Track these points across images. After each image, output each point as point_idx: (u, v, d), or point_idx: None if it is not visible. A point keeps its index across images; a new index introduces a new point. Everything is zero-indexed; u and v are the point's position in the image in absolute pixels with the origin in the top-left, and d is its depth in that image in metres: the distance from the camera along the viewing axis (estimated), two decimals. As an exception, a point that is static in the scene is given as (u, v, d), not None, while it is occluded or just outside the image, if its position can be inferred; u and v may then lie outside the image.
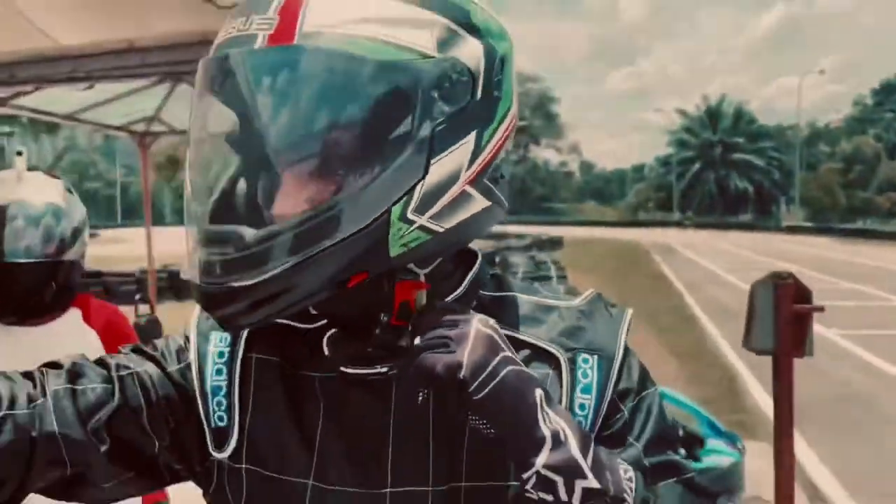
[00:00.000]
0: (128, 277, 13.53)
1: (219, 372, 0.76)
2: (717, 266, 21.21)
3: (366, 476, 0.72)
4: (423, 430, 0.73)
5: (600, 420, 0.75)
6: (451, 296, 0.76)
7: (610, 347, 0.77)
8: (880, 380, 7.44)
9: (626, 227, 55.29)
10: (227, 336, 0.77)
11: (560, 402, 0.73)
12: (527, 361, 0.73)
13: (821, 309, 2.76)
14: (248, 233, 0.65)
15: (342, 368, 0.73)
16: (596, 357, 0.76)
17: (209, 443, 0.76)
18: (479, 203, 0.71)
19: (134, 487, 0.77)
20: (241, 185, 0.68)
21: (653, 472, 0.73)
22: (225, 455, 0.75)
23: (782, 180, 72.58)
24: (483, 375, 0.64)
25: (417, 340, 0.67)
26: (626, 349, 0.78)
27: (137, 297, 5.65)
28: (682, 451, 0.78)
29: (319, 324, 0.75)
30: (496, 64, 0.70)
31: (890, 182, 66.18)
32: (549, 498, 0.65)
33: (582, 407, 0.74)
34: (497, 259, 20.14)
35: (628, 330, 0.79)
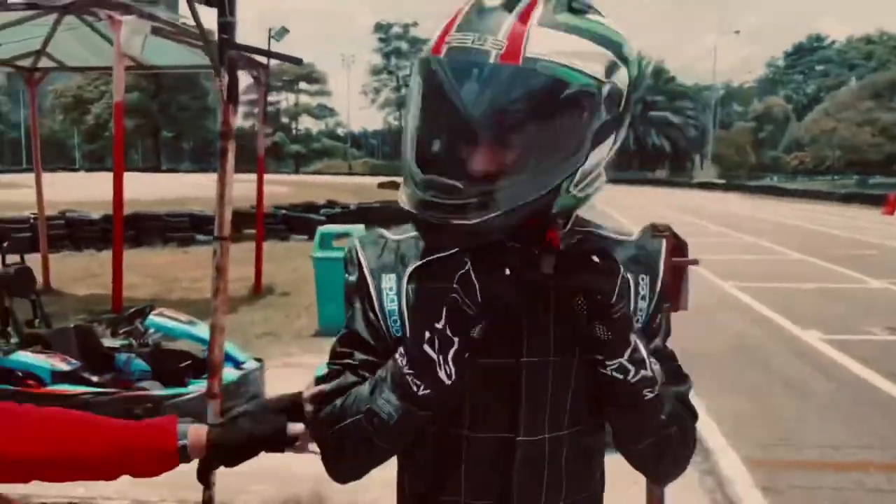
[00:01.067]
0: (21, 224, 12.72)
1: (392, 300, 1.07)
2: (630, 219, 21.77)
3: (510, 348, 1.03)
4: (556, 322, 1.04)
5: (648, 321, 1.10)
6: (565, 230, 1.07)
7: (656, 270, 1.11)
8: (771, 332, 7.80)
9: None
10: (394, 276, 1.08)
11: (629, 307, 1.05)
12: None
13: (695, 262, 2.79)
14: (466, 188, 0.90)
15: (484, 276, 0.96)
16: (648, 277, 1.10)
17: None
18: (603, 178, 1.00)
19: None
20: (467, 154, 0.92)
21: (658, 358, 1.06)
22: None
23: (697, 138, 74.83)
24: (622, 304, 0.97)
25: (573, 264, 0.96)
26: (663, 272, 1.12)
27: (5, 244, 5.27)
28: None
29: (455, 251, 1.01)
30: (634, 84, 0.97)
31: (797, 142, 69.31)
32: (621, 377, 0.99)
33: (641, 310, 1.09)
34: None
35: (664, 255, 1.13)
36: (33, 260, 8.70)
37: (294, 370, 5.76)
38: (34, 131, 9.29)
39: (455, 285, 0.95)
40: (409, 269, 1.07)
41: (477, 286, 0.93)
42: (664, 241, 1.13)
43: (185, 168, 70.82)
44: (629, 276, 1.05)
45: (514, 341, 1.02)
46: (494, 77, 0.89)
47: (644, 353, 1.00)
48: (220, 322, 3.15)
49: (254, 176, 10.86)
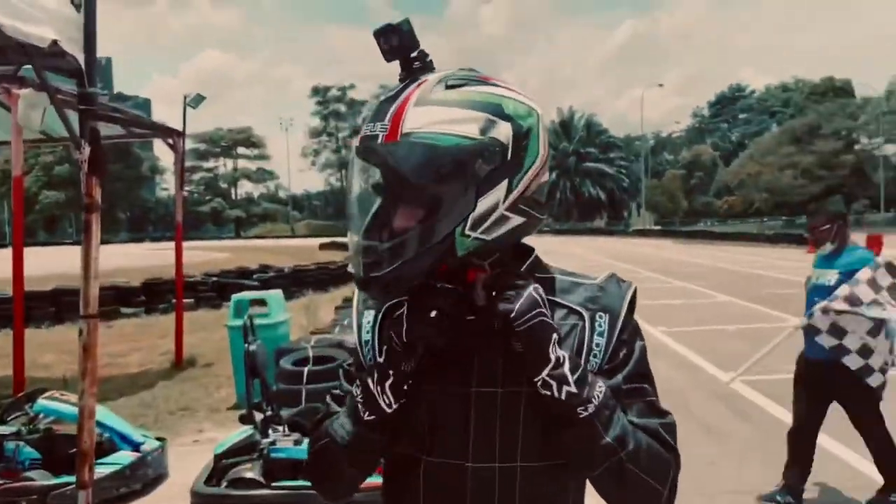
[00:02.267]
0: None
1: (367, 332, 1.23)
2: (568, 268, 22.04)
3: (461, 379, 1.15)
4: (494, 357, 1.14)
5: (608, 356, 1.16)
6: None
7: (616, 310, 1.18)
8: (694, 375, 7.88)
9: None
10: (373, 312, 1.24)
11: (584, 344, 1.16)
12: (564, 317, 1.17)
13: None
14: (378, 246, 1.10)
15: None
16: (607, 316, 1.18)
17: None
18: (515, 220, 1.13)
19: None
20: (373, 219, 1.13)
21: (626, 393, 1.15)
22: None
23: (631, 187, 77.07)
24: (524, 318, 1.05)
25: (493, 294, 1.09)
26: (628, 312, 1.19)
27: None
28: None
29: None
30: (521, 135, 1.11)
31: (726, 187, 72.00)
32: (547, 393, 1.07)
33: (598, 346, 1.16)
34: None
35: (631, 298, 1.21)
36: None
37: (204, 447, 5.49)
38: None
39: (390, 326, 1.12)
40: (385, 307, 1.22)
41: (404, 326, 1.08)
42: (631, 285, 1.22)
43: (121, 239, 69.24)
44: (586, 313, 1.17)
45: (466, 372, 1.14)
46: (380, 154, 1.09)
47: (568, 371, 1.07)
48: (90, 405, 2.98)
49: (191, 243, 10.62)
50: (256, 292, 7.99)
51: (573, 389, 1.06)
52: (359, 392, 1.13)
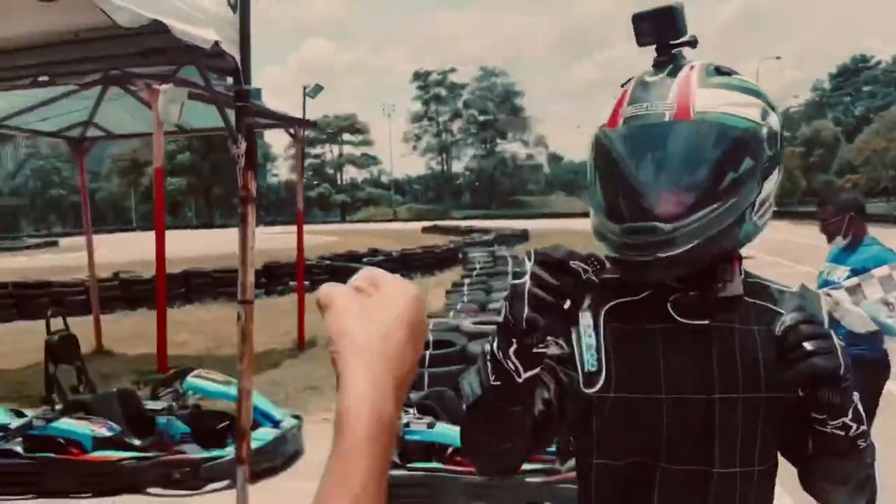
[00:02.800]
0: (76, 287, 13.12)
1: (590, 336, 1.16)
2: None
3: (699, 384, 1.12)
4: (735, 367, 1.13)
5: None
6: (735, 281, 1.16)
7: (820, 318, 1.17)
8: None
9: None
10: (590, 314, 1.16)
11: None
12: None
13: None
14: (665, 226, 1.06)
15: (681, 319, 1.14)
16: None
17: (581, 384, 1.15)
18: (772, 208, 1.16)
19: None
20: (658, 199, 1.08)
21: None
22: (594, 390, 1.15)
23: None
24: (847, 377, 1.03)
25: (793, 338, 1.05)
26: (826, 321, 1.23)
27: (49, 311, 5.40)
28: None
29: (645, 294, 1.17)
30: (782, 128, 1.14)
31: (849, 164, 67.47)
32: (842, 434, 1.06)
33: None
34: (460, 255, 20.14)
35: (821, 306, 1.26)
36: (86, 322, 8.95)
37: (334, 425, 5.72)
38: (84, 197, 9.66)
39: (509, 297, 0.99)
40: (607, 307, 1.18)
41: (520, 305, 0.95)
42: (821, 294, 1.27)
43: (236, 223, 72.51)
44: None
45: (706, 378, 1.11)
46: (673, 132, 1.07)
47: (861, 407, 1.07)
48: (247, 386, 3.15)
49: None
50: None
51: (865, 427, 1.08)
52: (489, 351, 1.03)
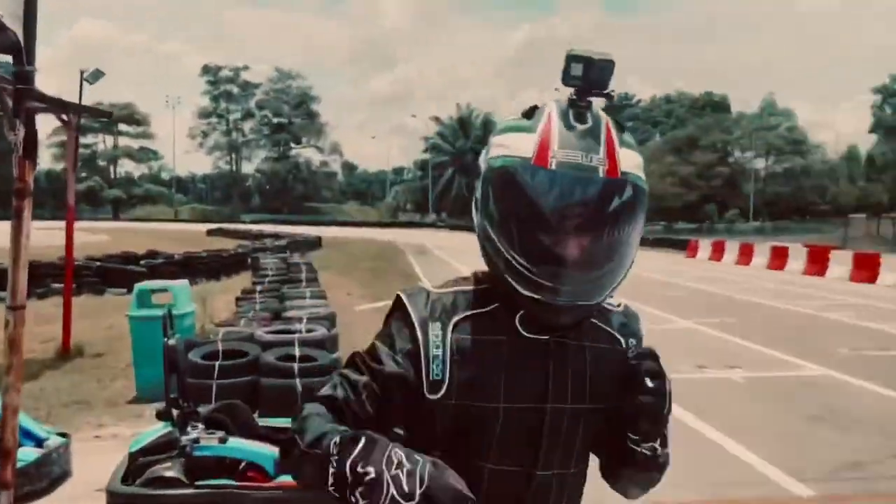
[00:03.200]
0: None
1: (437, 347, 1.20)
2: (464, 266, 22.41)
3: (535, 395, 1.21)
4: (580, 381, 1.24)
5: None
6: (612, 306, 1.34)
7: (640, 335, 1.33)
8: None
9: (386, 228, 56.09)
10: (439, 325, 1.21)
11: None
12: (611, 342, 1.29)
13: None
14: (590, 276, 1.15)
15: (526, 334, 1.20)
16: (635, 341, 1.30)
17: (426, 390, 1.20)
18: None
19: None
20: (581, 250, 1.13)
21: None
22: (437, 397, 1.20)
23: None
24: (670, 402, 1.20)
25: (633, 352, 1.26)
26: (644, 334, 1.34)
27: None
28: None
29: (493, 307, 1.23)
30: None
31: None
32: (649, 454, 1.22)
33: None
34: (249, 260, 19.41)
35: (641, 320, 1.37)
36: None
37: (108, 443, 5.25)
38: None
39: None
40: (455, 320, 1.22)
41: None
42: (637, 313, 1.37)
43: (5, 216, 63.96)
44: (622, 339, 1.30)
45: (541, 389, 1.21)
46: (605, 189, 1.11)
47: (668, 433, 1.23)
48: (14, 402, 2.81)
49: (62, 224, 9.98)
50: (161, 282, 7.66)
51: (668, 450, 1.24)
52: (335, 456, 1.07)
